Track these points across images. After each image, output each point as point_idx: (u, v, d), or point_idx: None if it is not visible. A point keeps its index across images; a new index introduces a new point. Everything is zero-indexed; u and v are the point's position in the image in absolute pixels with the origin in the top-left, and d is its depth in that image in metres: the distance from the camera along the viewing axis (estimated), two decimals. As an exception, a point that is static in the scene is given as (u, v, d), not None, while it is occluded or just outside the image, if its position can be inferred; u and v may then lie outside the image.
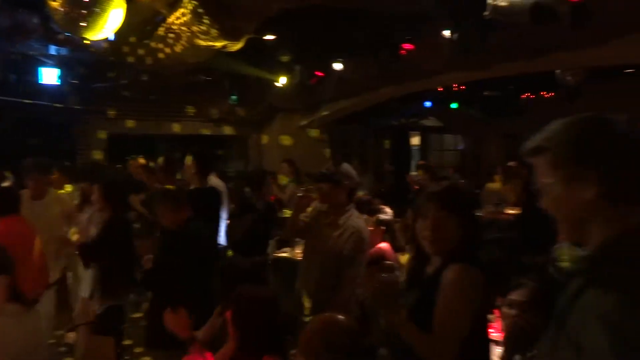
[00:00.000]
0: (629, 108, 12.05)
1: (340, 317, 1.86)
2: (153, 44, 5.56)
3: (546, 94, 10.77)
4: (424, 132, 13.33)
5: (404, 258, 5.10)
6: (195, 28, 4.63)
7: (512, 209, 7.51)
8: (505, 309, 2.29)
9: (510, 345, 2.21)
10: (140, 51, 5.81)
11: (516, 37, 4.24)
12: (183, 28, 4.83)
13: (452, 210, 1.81)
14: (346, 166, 3.23)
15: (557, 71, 7.42)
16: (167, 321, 2.37)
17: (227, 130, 9.32)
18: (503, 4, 3.10)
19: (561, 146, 1.09)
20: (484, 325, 1.86)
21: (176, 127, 8.70)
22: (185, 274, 2.98)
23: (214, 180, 5.36)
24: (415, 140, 13.36)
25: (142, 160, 6.24)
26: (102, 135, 8.21)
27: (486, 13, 3.23)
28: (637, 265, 0.96)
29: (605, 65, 6.67)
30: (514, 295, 2.22)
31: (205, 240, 3.24)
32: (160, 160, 5.73)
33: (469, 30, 4.03)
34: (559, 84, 8.17)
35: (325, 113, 8.11)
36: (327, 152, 8.79)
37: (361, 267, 2.91)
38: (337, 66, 6.01)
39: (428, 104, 11.33)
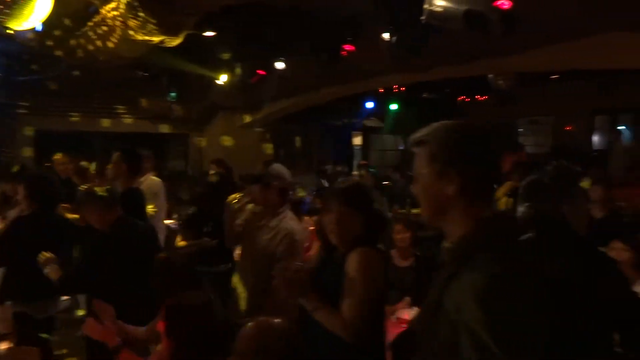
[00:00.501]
0: (554, 111, 12.90)
1: (275, 320, 1.84)
2: (84, 37, 5.29)
3: (480, 97, 11.27)
4: (366, 132, 13.56)
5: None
6: (130, 22, 4.45)
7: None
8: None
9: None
10: (71, 43, 5.51)
11: (452, 42, 4.38)
12: (117, 21, 4.63)
13: (352, 206, 2.01)
14: (277, 166, 3.18)
15: (490, 76, 7.76)
16: (88, 330, 2.26)
17: (166, 128, 9.06)
18: (438, 9, 3.20)
19: (438, 145, 1.28)
20: (383, 302, 2.08)
21: (111, 124, 8.35)
22: (119, 276, 2.85)
23: (150, 180, 5.18)
24: (357, 140, 13.56)
25: (64, 158, 5.91)
26: (30, 131, 7.74)
27: (422, 18, 3.32)
28: (496, 249, 1.16)
29: (533, 71, 7.08)
30: None
31: (139, 239, 3.11)
32: (93, 167, 5.47)
33: (407, 34, 4.12)
34: (492, 88, 8.56)
35: (267, 112, 8.05)
36: (269, 148, 8.74)
37: None
38: (279, 65, 5.98)
39: (370, 104, 11.55)
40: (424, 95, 10.93)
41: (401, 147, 14.41)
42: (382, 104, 11.42)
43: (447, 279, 1.20)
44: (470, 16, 3.06)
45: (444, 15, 3.20)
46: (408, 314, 3.62)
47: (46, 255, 2.90)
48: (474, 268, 1.13)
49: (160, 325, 2.09)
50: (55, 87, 6.99)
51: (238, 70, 6.31)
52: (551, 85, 10.22)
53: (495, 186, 1.46)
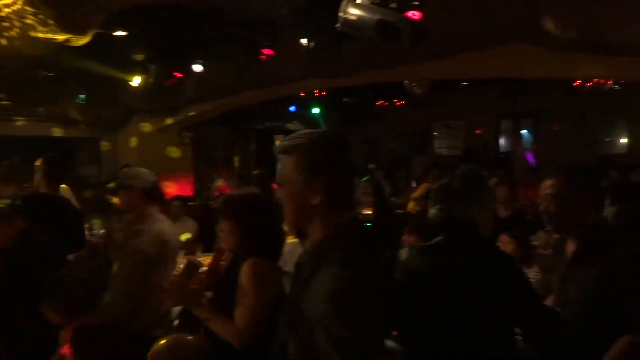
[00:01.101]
0: (465, 116, 13.65)
1: (189, 337, 1.80)
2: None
3: (398, 102, 11.69)
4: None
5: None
6: (28, 19, 4.11)
7: (368, 210, 8.01)
8: None
9: None
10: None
11: (369, 48, 4.50)
12: (14, 17, 4.25)
13: (227, 217, 2.13)
14: (134, 169, 3.12)
15: (406, 82, 8.08)
16: None
17: (76, 132, 8.50)
18: (352, 17, 3.27)
19: (306, 155, 1.35)
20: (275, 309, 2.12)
21: (14, 128, 7.69)
22: (23, 294, 2.62)
23: (60, 187, 4.84)
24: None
25: None
26: None
27: (337, 25, 3.38)
28: (347, 250, 1.28)
29: (444, 79, 7.49)
30: None
31: (45, 253, 2.88)
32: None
33: (324, 39, 4.17)
34: (408, 93, 8.91)
35: (185, 115, 7.81)
36: (174, 151, 8.45)
37: (166, 271, 2.81)
38: (197, 67, 5.81)
39: (292, 108, 11.58)
40: (345, 100, 11.14)
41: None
42: (304, 107, 11.49)
43: (306, 280, 1.30)
44: (382, 26, 3.16)
45: (357, 24, 3.27)
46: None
47: None
48: (329, 266, 1.25)
49: (65, 349, 1.96)
50: None
51: (152, 72, 6.06)
52: (462, 91, 10.83)
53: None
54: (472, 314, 1.73)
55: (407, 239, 3.91)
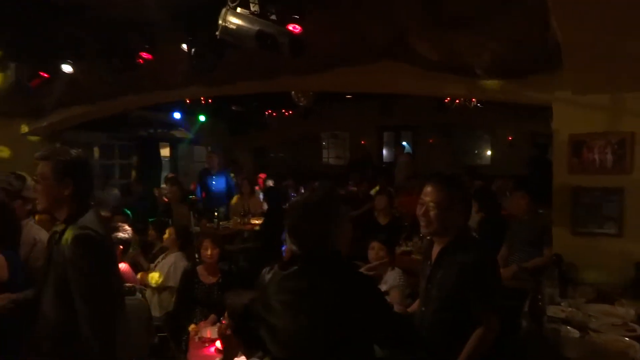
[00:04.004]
0: (350, 127, 14.22)
1: None
2: None
3: (286, 112, 11.84)
4: (174, 143, 13.06)
5: (149, 276, 4.86)
6: None
7: (257, 220, 7.98)
8: (221, 329, 2.55)
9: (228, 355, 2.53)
10: None
11: (251, 57, 4.49)
12: None
13: None
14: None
15: (293, 93, 8.23)
16: None
17: None
18: (232, 26, 3.23)
19: (59, 161, 2.22)
20: None
21: None
22: None
23: None
24: (165, 152, 12.97)
25: None
26: None
27: (217, 33, 3.32)
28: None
29: (322, 91, 7.76)
30: (226, 318, 2.46)
31: None
32: None
33: (205, 47, 4.08)
34: (295, 104, 9.07)
35: (53, 120, 7.13)
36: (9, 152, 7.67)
37: None
38: (66, 68, 5.33)
39: (177, 115, 11.17)
40: (233, 108, 11.01)
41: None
42: (190, 115, 11.15)
43: None
44: (261, 36, 3.16)
45: (237, 33, 3.24)
46: (211, 331, 3.55)
47: None
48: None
49: None
50: None
51: (13, 71, 5.44)
52: (346, 103, 11.27)
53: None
54: (328, 336, 1.76)
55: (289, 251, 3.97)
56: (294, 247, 1.85)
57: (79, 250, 2.06)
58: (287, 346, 1.81)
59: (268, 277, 1.92)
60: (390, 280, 4.02)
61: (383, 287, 3.88)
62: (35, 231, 3.14)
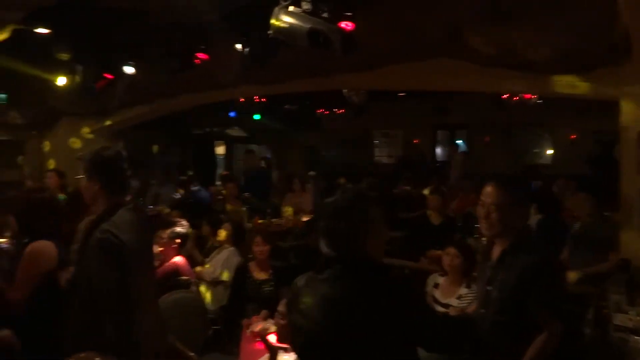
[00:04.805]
0: (403, 125, 14.03)
1: (97, 358, 1.71)
2: None
3: (338, 110, 11.83)
4: (229, 142, 13.39)
5: (201, 270, 5.01)
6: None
7: (309, 216, 8.01)
8: (276, 319, 2.54)
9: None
10: None
11: (303, 56, 4.52)
12: None
13: None
14: None
15: (344, 91, 8.20)
16: None
17: (-4, 133, 7.96)
18: (284, 25, 3.26)
19: (86, 161, 2.44)
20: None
21: None
22: None
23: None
24: (220, 150, 13.32)
25: None
26: None
27: (270, 32, 3.36)
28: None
29: (374, 89, 7.67)
30: (280, 307, 2.44)
31: None
32: None
33: (258, 46, 4.15)
34: (347, 102, 9.05)
35: (118, 119, 7.49)
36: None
37: None
38: (128, 69, 5.59)
39: (232, 114, 11.44)
40: (286, 107, 11.14)
41: (268, 157, 14.50)
42: (244, 113, 11.38)
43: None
44: (313, 35, 3.17)
45: (289, 32, 3.27)
46: (262, 327, 3.60)
47: None
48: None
49: None
50: None
51: (80, 73, 5.76)
52: (399, 101, 11.11)
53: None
54: (367, 342, 1.71)
55: None
56: (326, 250, 1.78)
57: (96, 253, 2.21)
58: (316, 351, 1.77)
59: (302, 282, 1.88)
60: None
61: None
62: None
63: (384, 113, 11.88)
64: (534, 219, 5.13)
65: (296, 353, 1.84)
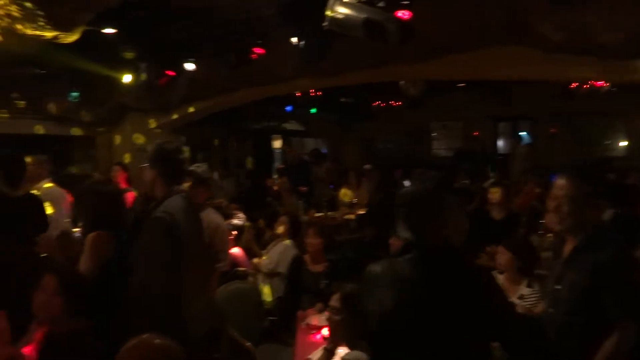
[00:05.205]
0: (463, 117, 13.59)
1: (157, 340, 1.76)
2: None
3: (394, 102, 11.64)
4: (286, 136, 13.55)
5: (258, 262, 5.11)
6: (15, 14, 4.07)
7: (365, 210, 7.99)
8: (328, 313, 2.55)
9: (334, 340, 2.54)
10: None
11: (359, 47, 4.46)
12: (0, 12, 4.21)
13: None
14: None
15: (401, 82, 8.04)
16: None
17: (69, 129, 8.46)
18: (339, 16, 3.23)
19: (147, 152, 2.73)
20: None
21: (5, 126, 7.65)
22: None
23: (45, 186, 4.79)
24: (277, 144, 13.51)
25: None
26: None
27: (325, 24, 3.34)
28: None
29: (433, 79, 7.45)
30: (333, 301, 2.44)
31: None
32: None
33: (313, 38, 4.14)
34: (404, 94, 8.87)
35: (179, 114, 7.77)
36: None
37: None
38: (189, 66, 5.77)
39: (289, 108, 11.55)
40: (342, 100, 11.11)
41: (324, 151, 14.56)
42: (300, 107, 11.47)
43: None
44: (368, 25, 3.12)
45: (344, 22, 3.23)
46: (318, 319, 3.61)
47: None
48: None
49: (28, 350, 1.93)
50: None
51: (144, 71, 6.01)
52: (458, 92, 10.79)
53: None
54: (446, 329, 1.68)
55: (395, 242, 3.81)
56: (407, 236, 1.80)
57: (153, 228, 2.49)
58: (391, 337, 1.76)
59: (377, 269, 1.88)
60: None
61: None
62: (215, 217, 3.51)
63: (442, 104, 11.57)
64: (608, 213, 4.82)
65: (368, 341, 1.84)
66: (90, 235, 2.78)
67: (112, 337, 2.22)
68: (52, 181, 4.99)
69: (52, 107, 7.85)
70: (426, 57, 4.91)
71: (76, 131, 8.62)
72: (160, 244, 2.44)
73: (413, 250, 1.78)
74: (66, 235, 3.16)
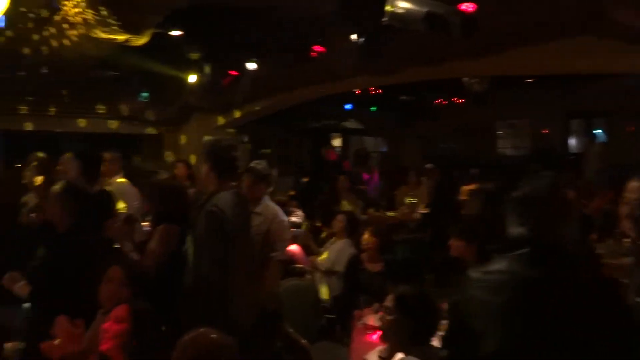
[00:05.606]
0: (530, 114, 12.99)
1: (213, 335, 1.79)
2: (47, 33, 5.15)
3: (457, 100, 11.31)
4: (345, 134, 13.53)
5: (316, 259, 5.12)
6: (90, 18, 4.32)
7: (424, 210, 7.80)
8: (382, 314, 2.49)
9: (386, 341, 2.47)
10: (34, 40, 5.37)
11: (420, 42, 4.36)
12: (78, 18, 4.50)
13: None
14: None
15: (465, 79, 7.77)
16: (58, 329, 2.11)
17: (139, 128, 8.90)
18: (400, 11, 3.16)
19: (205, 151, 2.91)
20: None
21: (80, 125, 8.17)
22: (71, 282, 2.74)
23: (117, 182, 5.05)
24: (336, 142, 13.53)
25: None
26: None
27: (385, 19, 3.28)
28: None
29: (498, 74, 7.14)
30: (387, 301, 2.39)
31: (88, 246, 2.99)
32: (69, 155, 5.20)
33: (373, 35, 4.08)
34: (467, 91, 8.59)
35: (241, 113, 7.96)
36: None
37: None
38: (251, 66, 5.89)
39: (348, 106, 11.53)
40: (402, 98, 10.93)
41: (383, 149, 14.39)
42: (360, 105, 11.40)
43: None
44: (430, 18, 3.03)
45: (405, 17, 3.16)
46: (374, 319, 3.57)
47: (10, 276, 2.82)
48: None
49: (108, 326, 2.03)
50: (29, 86, 6.82)
51: (208, 71, 6.22)
52: (526, 88, 10.31)
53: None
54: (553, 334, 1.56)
55: (455, 243, 3.66)
56: (518, 231, 1.72)
57: (204, 221, 2.64)
58: (503, 336, 1.64)
59: (476, 274, 1.77)
60: None
61: None
62: (273, 207, 3.78)
63: (508, 101, 11.07)
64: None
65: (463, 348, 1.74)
66: (159, 227, 2.96)
67: (172, 323, 2.32)
68: (123, 177, 5.25)
69: (124, 108, 8.32)
70: (491, 52, 4.71)
71: (144, 130, 9.06)
72: (211, 237, 2.58)
73: (525, 247, 1.69)
74: (131, 219, 3.33)
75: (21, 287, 2.78)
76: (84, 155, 3.87)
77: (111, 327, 2.01)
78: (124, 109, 8.29)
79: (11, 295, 2.90)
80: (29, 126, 7.78)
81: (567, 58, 4.54)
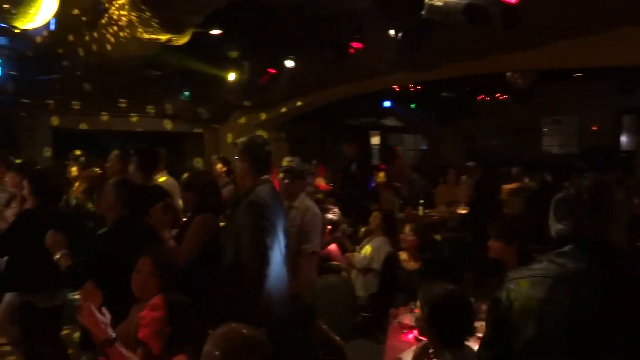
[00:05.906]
0: (578, 110, 12.47)
1: (245, 330, 1.79)
2: (94, 35, 5.34)
3: (500, 96, 10.99)
4: (384, 132, 13.40)
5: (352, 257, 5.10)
6: (134, 19, 4.45)
7: (464, 209, 7.64)
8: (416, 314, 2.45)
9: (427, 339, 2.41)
10: (82, 42, 5.58)
11: (460, 36, 4.26)
12: (123, 19, 4.64)
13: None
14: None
15: (508, 73, 7.55)
16: (84, 318, 2.18)
17: (182, 126, 9.12)
18: (438, 3, 3.09)
19: (241, 148, 2.91)
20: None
21: (126, 123, 8.44)
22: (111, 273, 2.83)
23: (162, 179, 5.20)
24: (375, 140, 13.42)
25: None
26: (47, 130, 7.91)
27: (423, 13, 3.21)
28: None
29: (544, 68, 6.86)
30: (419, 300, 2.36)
31: (133, 241, 3.08)
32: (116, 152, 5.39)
33: (412, 30, 4.01)
34: (510, 86, 8.34)
35: (280, 111, 8.01)
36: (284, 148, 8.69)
37: None
38: (289, 64, 5.92)
39: (387, 103, 11.40)
40: (444, 94, 10.72)
41: (423, 147, 14.17)
42: (399, 102, 11.26)
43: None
44: (470, 10, 2.94)
45: (444, 10, 3.09)
46: (410, 318, 3.52)
47: (54, 237, 2.83)
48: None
49: (145, 314, 2.07)
50: (86, 86, 7.13)
51: (246, 69, 6.29)
52: (574, 82, 9.90)
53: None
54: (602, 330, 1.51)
55: (494, 244, 3.52)
56: (560, 227, 1.67)
57: (246, 212, 2.73)
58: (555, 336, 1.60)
59: (515, 274, 1.72)
60: None
61: None
62: (308, 201, 3.80)
63: (554, 97, 10.67)
64: None
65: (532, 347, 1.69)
66: (197, 217, 3.08)
67: (204, 312, 2.36)
68: (167, 174, 5.40)
69: (168, 107, 8.55)
70: (535, 44, 4.52)
71: (186, 128, 9.27)
72: (255, 225, 2.66)
73: (570, 245, 1.63)
74: (170, 208, 3.41)
75: (62, 257, 2.79)
76: (141, 151, 4.01)
77: (147, 314, 2.06)
78: (169, 107, 8.51)
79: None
80: (83, 126, 8.15)
81: (615, 50, 4.31)
